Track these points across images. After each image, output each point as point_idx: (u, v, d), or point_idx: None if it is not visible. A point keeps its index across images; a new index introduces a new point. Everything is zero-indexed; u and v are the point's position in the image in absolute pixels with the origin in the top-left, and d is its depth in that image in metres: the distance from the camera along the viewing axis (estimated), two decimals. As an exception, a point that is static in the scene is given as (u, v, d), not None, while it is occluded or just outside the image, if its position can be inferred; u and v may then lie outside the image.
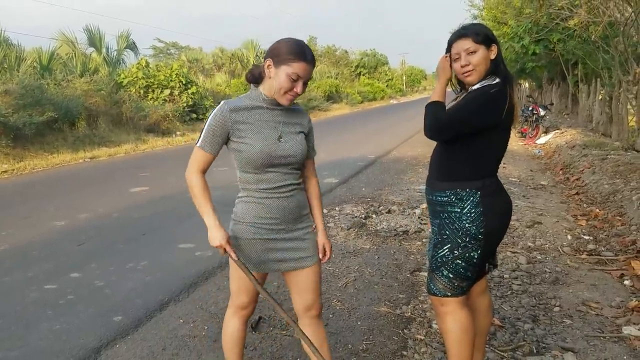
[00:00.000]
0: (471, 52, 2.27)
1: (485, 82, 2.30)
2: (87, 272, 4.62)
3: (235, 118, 2.15)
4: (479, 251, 2.32)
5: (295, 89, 2.12)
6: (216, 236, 2.14)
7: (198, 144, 2.19)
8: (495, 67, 2.31)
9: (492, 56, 2.30)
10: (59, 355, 3.20)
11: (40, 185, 9.77)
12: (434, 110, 2.30)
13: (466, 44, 2.28)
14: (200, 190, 2.18)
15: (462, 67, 2.30)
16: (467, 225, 2.27)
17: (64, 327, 3.57)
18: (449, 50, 2.37)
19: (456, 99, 2.41)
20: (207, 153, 2.18)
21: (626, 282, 4.08)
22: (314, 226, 2.39)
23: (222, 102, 2.21)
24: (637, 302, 3.64)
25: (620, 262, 4.54)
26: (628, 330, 3.26)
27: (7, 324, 3.65)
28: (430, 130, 2.30)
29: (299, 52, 2.10)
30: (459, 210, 2.30)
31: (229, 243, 2.16)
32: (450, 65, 2.39)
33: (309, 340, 2.27)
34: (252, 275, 2.20)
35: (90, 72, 20.47)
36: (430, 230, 2.59)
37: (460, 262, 2.31)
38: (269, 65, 2.13)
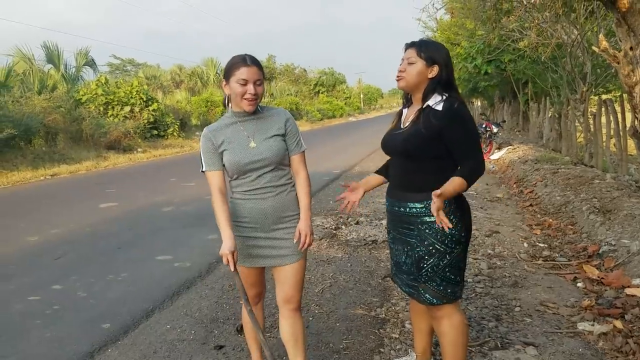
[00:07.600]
0: (410, 63, 2.41)
1: (436, 101, 2.40)
2: (69, 284, 4.71)
3: (216, 136, 2.48)
4: (465, 253, 2.49)
5: (248, 92, 2.37)
6: (223, 246, 2.34)
7: (203, 170, 2.50)
8: (441, 86, 2.41)
9: (430, 75, 2.40)
10: (55, 361, 3.33)
11: (3, 203, 9.67)
12: (474, 176, 2.36)
13: (410, 53, 2.42)
14: (217, 207, 2.42)
15: (398, 70, 2.46)
16: (448, 231, 2.30)
17: (55, 335, 3.69)
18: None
19: (417, 117, 2.44)
20: (212, 171, 2.49)
21: (579, 284, 4.42)
22: None
23: (204, 129, 2.56)
24: (589, 301, 3.97)
25: (573, 266, 4.91)
26: (582, 326, 3.57)
27: (-3, 333, 3.73)
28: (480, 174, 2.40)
29: (239, 60, 2.40)
30: None
31: (233, 255, 2.34)
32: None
33: (258, 325, 2.48)
34: (240, 281, 2.43)
35: (48, 89, 20.19)
36: (391, 242, 2.66)
37: (450, 269, 2.42)
38: (225, 85, 2.45)
